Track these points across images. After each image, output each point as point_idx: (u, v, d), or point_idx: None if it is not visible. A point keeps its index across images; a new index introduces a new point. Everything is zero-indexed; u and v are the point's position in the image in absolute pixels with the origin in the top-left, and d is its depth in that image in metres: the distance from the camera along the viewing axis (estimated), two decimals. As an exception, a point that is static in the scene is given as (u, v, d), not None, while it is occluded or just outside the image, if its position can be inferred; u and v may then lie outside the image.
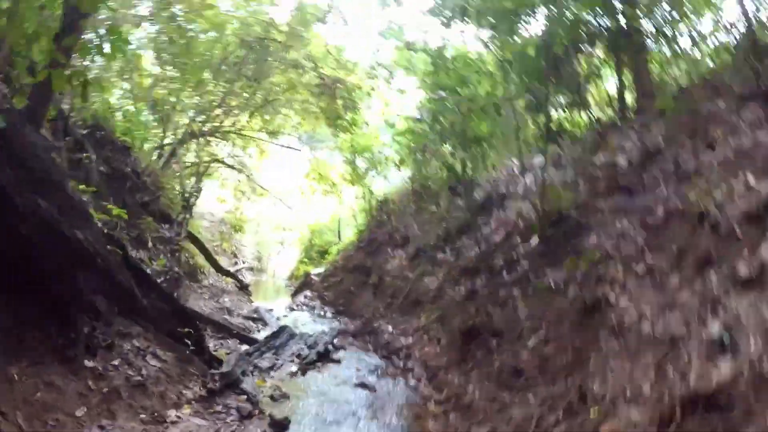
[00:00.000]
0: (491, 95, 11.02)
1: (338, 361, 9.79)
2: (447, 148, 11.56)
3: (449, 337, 9.95)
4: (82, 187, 7.92)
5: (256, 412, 6.20)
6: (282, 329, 10.78)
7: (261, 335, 11.51)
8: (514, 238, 10.87)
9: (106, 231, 7.13)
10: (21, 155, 4.43)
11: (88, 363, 4.90)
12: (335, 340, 11.17)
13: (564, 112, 10.87)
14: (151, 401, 5.28)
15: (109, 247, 5.95)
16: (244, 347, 9.72)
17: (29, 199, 4.39)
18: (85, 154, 9.83)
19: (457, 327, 9.66)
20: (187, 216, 14.88)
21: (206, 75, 16.96)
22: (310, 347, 10.06)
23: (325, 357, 9.75)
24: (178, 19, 15.53)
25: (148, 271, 9.47)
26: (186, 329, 7.11)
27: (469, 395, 7.74)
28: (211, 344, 9.50)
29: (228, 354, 8.73)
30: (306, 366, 9.06)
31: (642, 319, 5.87)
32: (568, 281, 7.90)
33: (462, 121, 10.21)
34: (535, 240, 10.05)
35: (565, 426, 5.49)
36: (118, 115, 13.51)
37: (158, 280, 10.74)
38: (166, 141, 17.11)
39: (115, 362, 5.31)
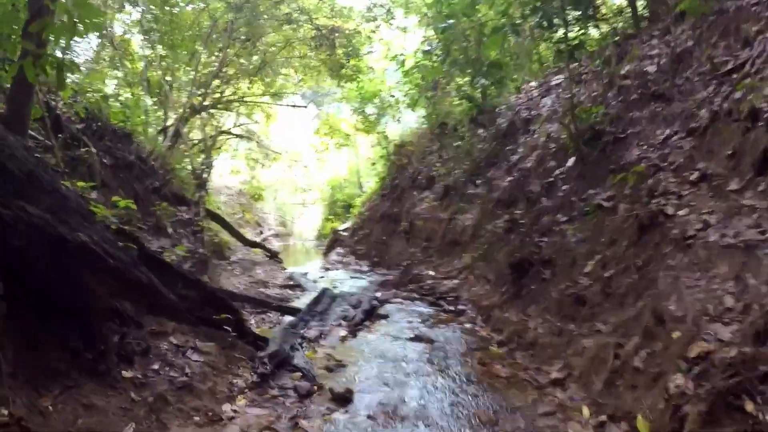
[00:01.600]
0: (501, 17, 10.32)
1: (386, 316, 9.36)
2: (461, 79, 10.81)
3: (497, 274, 9.50)
4: (81, 184, 7.43)
5: (315, 388, 5.77)
6: (322, 293, 10.33)
7: (301, 302, 11.10)
8: (548, 162, 10.33)
9: (116, 227, 6.61)
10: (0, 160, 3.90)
11: (126, 373, 4.45)
12: (378, 294, 10.74)
13: (576, 27, 10.06)
14: (201, 400, 4.85)
15: (121, 243, 5.44)
16: (287, 319, 9.31)
17: (14, 206, 3.87)
18: (84, 149, 9.30)
19: (504, 262, 9.19)
20: (203, 194, 14.43)
21: (198, 47, 16.26)
22: (355, 307, 9.62)
23: (372, 314, 9.34)
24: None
25: (172, 259, 9.05)
26: (222, 314, 6.66)
27: (531, 332, 7.34)
28: (252, 321, 9.14)
29: (272, 330, 8.38)
30: (355, 327, 8.63)
31: (707, 228, 5.49)
32: (617, 199, 7.46)
33: (476, 46, 9.48)
34: (571, 161, 9.53)
35: (646, 352, 5.08)
36: (114, 103, 12.89)
37: (184, 266, 10.45)
38: (169, 122, 16.52)
39: (155, 366, 4.86)
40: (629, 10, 10.87)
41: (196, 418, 4.58)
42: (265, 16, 16.46)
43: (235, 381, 5.63)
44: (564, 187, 9.25)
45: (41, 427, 3.38)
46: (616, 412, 4.89)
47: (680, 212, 5.99)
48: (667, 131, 7.49)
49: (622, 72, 9.41)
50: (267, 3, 16.24)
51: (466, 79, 9.96)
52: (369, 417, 5.12)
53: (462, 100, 11.81)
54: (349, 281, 14.02)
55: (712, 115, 6.68)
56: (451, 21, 10.24)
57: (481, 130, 13.40)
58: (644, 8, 10.56)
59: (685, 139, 7.02)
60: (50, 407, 3.56)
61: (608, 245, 6.99)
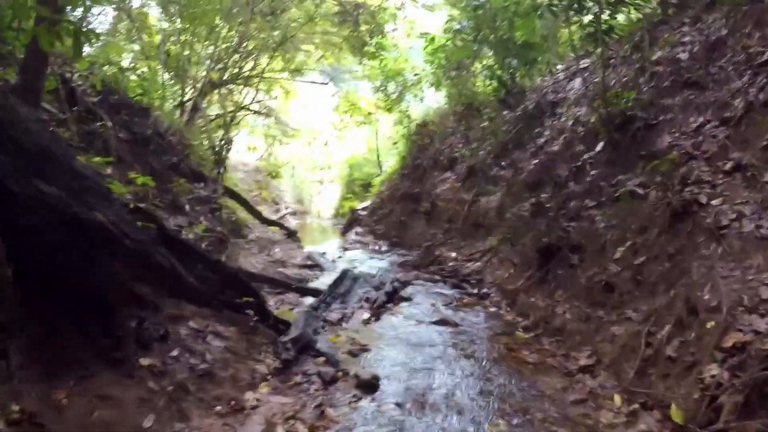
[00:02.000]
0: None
1: (409, 299, 9.17)
2: (490, 59, 10.46)
3: (522, 258, 9.27)
4: (97, 159, 7.24)
5: (340, 374, 5.59)
6: (344, 274, 10.07)
7: (321, 282, 10.94)
8: (576, 146, 10.02)
9: (134, 204, 6.42)
10: (11, 134, 3.68)
11: (144, 361, 4.25)
12: (400, 276, 10.52)
13: (605, 12, 9.69)
14: (223, 388, 4.67)
15: (139, 222, 5.25)
16: (307, 300, 9.14)
17: (28, 184, 3.67)
18: (99, 123, 9.11)
19: (530, 246, 8.95)
20: (221, 170, 14.21)
21: (219, 21, 15.95)
22: (377, 288, 9.42)
23: (394, 296, 9.15)
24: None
25: (190, 238, 8.89)
26: (243, 297, 6.46)
27: (558, 317, 7.19)
28: (272, 303, 8.95)
29: (293, 311, 8.20)
30: (378, 310, 8.45)
31: (741, 219, 5.38)
32: (648, 185, 7.24)
33: (508, 26, 9.14)
34: (600, 145, 9.23)
35: (679, 341, 4.98)
36: (132, 77, 12.70)
37: (203, 246, 10.27)
38: (187, 97, 16.31)
39: (174, 353, 4.64)
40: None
41: (218, 408, 4.41)
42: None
43: (257, 367, 5.44)
44: (593, 172, 8.98)
45: (54, 423, 3.21)
46: (648, 401, 4.81)
47: (714, 202, 5.81)
48: (701, 119, 7.30)
49: (654, 58, 9.11)
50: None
51: (494, 59, 9.57)
52: (397, 405, 4.97)
53: (491, 80, 11.41)
54: (368, 261, 13.83)
55: (746, 105, 6.51)
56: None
57: (507, 112, 13.05)
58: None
59: (718, 128, 6.83)
60: (64, 400, 3.39)
61: (639, 232, 6.81)
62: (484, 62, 11.67)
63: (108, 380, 3.79)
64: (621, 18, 10.24)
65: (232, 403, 4.55)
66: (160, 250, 4.93)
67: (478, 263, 10.82)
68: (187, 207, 11.26)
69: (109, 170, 9.17)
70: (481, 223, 12.26)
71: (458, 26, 9.99)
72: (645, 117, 8.33)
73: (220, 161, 14.48)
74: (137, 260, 4.64)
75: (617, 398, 5.05)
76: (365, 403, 5.01)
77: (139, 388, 3.97)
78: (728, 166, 6.13)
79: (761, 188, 5.54)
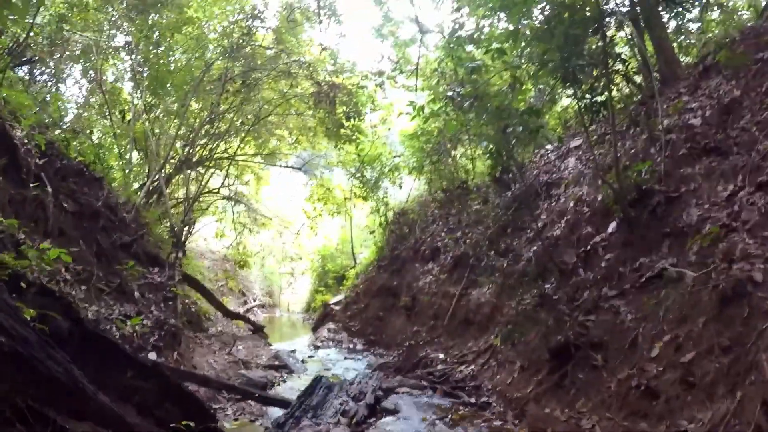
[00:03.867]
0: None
1: (395, 411, 7.57)
2: (485, 130, 9.42)
3: (529, 359, 7.87)
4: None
5: None
6: (316, 382, 8.35)
7: (289, 388, 9.41)
8: (583, 228, 8.93)
9: (39, 284, 4.94)
10: None
11: None
12: (381, 384, 8.90)
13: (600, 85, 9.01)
14: None
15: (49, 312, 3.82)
16: (272, 411, 7.54)
17: None
18: (33, 184, 8.00)
19: (539, 344, 7.58)
20: (180, 255, 12.74)
21: (189, 96, 15.06)
22: (356, 399, 7.78)
23: (377, 409, 7.60)
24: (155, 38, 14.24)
25: (126, 334, 7.46)
26: (188, 413, 4.81)
27: (586, 432, 5.68)
28: (230, 412, 7.42)
29: (255, 424, 6.60)
30: (357, 428, 6.82)
31: None
32: (681, 266, 6.25)
33: (508, 94, 8.19)
34: (613, 225, 8.17)
35: None
36: (85, 142, 11.57)
37: (150, 340, 8.84)
38: (156, 176, 15.14)
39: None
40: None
41: None
42: (261, 66, 15.26)
43: None
44: (607, 256, 7.86)
45: None
46: None
47: None
48: (731, 187, 6.59)
49: (660, 127, 8.26)
50: (265, 53, 15.14)
51: (492, 128, 8.51)
52: None
53: (487, 155, 10.35)
54: (343, 362, 12.45)
55: None
56: (479, 62, 8.93)
57: (503, 194, 11.99)
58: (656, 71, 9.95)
59: (755, 194, 6.13)
60: None
61: (678, 323, 5.74)
62: (477, 133, 10.60)
63: None
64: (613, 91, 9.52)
65: None
66: (55, 354, 3.46)
67: (472, 366, 9.37)
68: (137, 294, 9.96)
69: (47, 243, 7.81)
70: (472, 320, 10.90)
71: (451, 93, 8.94)
72: (664, 190, 7.50)
73: (179, 245, 13.02)
74: (15, 368, 3.17)
75: None
76: None
77: None
78: (780, 235, 5.31)
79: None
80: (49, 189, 8.10)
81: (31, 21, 8.79)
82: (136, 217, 11.83)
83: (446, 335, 11.40)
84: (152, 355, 8.65)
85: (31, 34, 10.15)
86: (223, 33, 15.20)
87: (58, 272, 8.19)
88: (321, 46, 15.83)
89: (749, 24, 9.19)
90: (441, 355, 10.49)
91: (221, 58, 14.83)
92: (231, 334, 14.58)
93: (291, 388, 9.44)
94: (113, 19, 14.37)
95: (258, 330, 16.28)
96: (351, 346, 14.97)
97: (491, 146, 9.40)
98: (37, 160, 8.38)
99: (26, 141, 8.37)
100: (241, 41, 14.40)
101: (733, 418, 4.35)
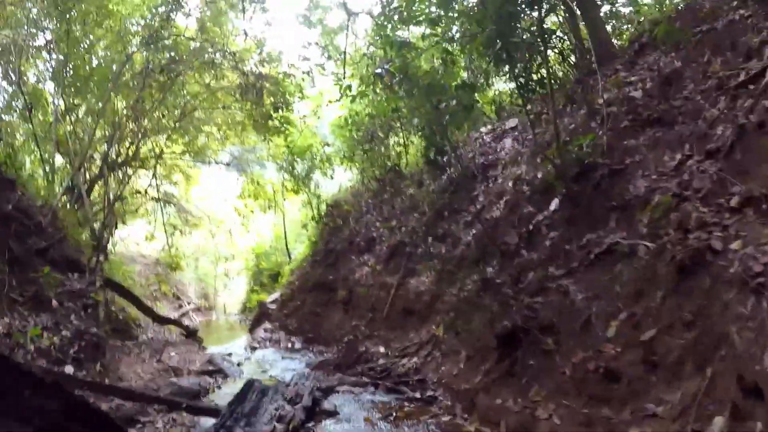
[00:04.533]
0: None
1: (335, 413, 7.01)
2: (421, 110, 8.98)
3: (474, 348, 7.49)
4: None
5: None
6: (249, 386, 7.65)
7: (223, 394, 8.82)
8: (523, 208, 8.62)
9: None
10: None
11: None
12: (320, 381, 8.36)
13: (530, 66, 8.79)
14: None
15: None
16: (204, 422, 6.90)
17: None
18: None
19: (484, 332, 7.21)
20: (101, 259, 11.94)
21: (113, 95, 14.45)
22: (292, 402, 7.13)
23: (315, 411, 7.00)
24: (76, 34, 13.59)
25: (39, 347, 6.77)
26: None
27: (544, 423, 5.39)
28: (159, 425, 6.80)
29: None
30: (295, 434, 6.28)
31: None
32: (632, 238, 5.99)
33: (441, 71, 7.79)
34: (555, 203, 7.90)
35: None
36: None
37: (70, 351, 8.15)
38: (75, 178, 14.30)
39: None
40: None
41: None
42: (185, 58, 14.51)
43: None
44: (552, 235, 7.59)
45: None
46: None
47: (732, 246, 4.75)
48: (678, 156, 6.45)
49: (601, 101, 8.13)
50: (188, 44, 14.39)
51: (425, 108, 8.07)
52: None
53: (421, 133, 9.94)
54: (280, 363, 11.88)
55: (737, 131, 5.67)
56: (408, 39, 8.51)
57: (437, 177, 11.61)
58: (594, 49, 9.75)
59: (704, 162, 5.95)
60: None
61: (635, 299, 5.45)
62: (409, 113, 10.14)
63: None
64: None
65: None
66: None
67: (415, 359, 8.93)
68: (55, 302, 9.24)
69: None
70: (412, 310, 10.49)
71: (379, 70, 8.46)
72: (608, 163, 7.25)
73: (100, 248, 12.18)
74: None
75: None
76: None
77: None
78: (734, 201, 5.20)
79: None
80: None
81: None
82: (54, 221, 11.04)
83: (386, 328, 10.96)
84: (69, 369, 7.93)
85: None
86: (144, 25, 14.40)
87: None
88: (245, 35, 15.19)
89: (681, 5, 9.16)
90: (382, 349, 10.04)
91: (142, 49, 14.03)
92: (162, 341, 13.78)
93: (226, 393, 8.77)
94: (31, 16, 13.60)
95: (191, 334, 15.44)
96: (289, 345, 14.35)
97: (424, 126, 8.97)
98: None
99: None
100: (161, 31, 13.59)
101: (705, 397, 4.11)
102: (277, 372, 10.55)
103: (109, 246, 14.97)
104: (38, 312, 8.66)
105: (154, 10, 14.32)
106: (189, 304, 25.62)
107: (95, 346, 9.09)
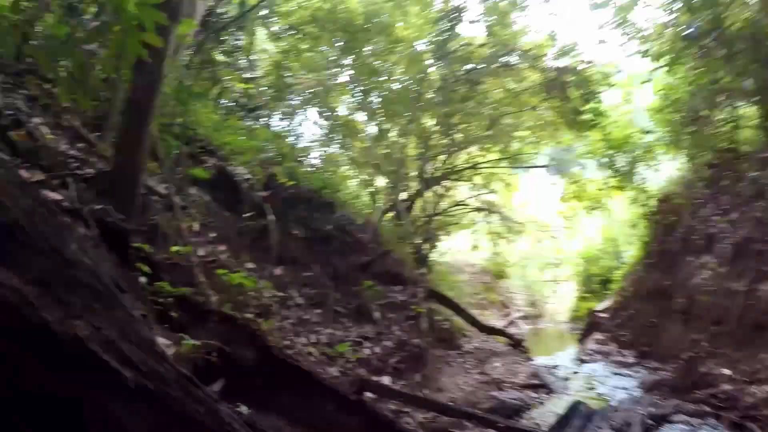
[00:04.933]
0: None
1: (668, 449, 6.00)
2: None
3: None
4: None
5: None
6: (573, 409, 7.04)
7: (546, 411, 8.31)
8: None
9: (226, 313, 4.70)
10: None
11: None
12: (652, 410, 7.27)
13: None
14: None
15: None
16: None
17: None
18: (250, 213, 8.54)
19: None
20: (425, 271, 12.36)
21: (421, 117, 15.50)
22: None
23: (648, 447, 6.06)
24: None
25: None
26: None
27: None
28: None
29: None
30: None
31: None
32: None
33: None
34: None
35: None
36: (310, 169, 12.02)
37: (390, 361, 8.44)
38: (396, 195, 15.65)
39: None
40: None
41: None
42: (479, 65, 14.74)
43: None
44: None
45: None
46: None
47: None
48: None
49: None
50: (478, 50, 14.58)
51: (754, 69, 6.51)
52: None
53: (756, 101, 8.18)
54: (610, 380, 11.09)
55: None
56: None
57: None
58: None
59: None
60: None
61: None
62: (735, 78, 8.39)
63: None
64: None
65: None
66: (195, 392, 2.87)
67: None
68: (377, 314, 9.84)
69: (278, 270, 8.51)
70: (766, 324, 8.74)
71: (690, 30, 7.05)
72: None
73: (422, 260, 12.65)
74: (146, 406, 2.64)
75: None
76: None
77: None
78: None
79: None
80: (272, 218, 8.55)
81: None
82: (375, 238, 11.89)
83: (732, 345, 9.27)
84: (386, 379, 8.14)
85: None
86: (432, 42, 15.05)
87: (290, 297, 8.29)
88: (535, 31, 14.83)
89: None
90: (727, 371, 8.50)
91: (436, 66, 14.74)
92: (487, 350, 13.70)
93: (549, 412, 8.32)
94: (330, 58, 15.26)
95: (517, 344, 15.21)
96: (620, 359, 13.24)
97: (757, 89, 7.26)
98: (261, 193, 8.98)
99: (249, 177, 9.10)
100: (449, 45, 13.94)
101: None
102: (606, 390, 9.83)
103: (433, 257, 15.61)
104: (361, 323, 9.15)
105: (437, 27, 14.74)
106: (516, 312, 25.55)
107: (416, 357, 9.30)
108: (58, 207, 4.38)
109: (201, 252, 6.76)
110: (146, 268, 4.87)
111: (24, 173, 4.63)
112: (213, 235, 7.73)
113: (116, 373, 2.53)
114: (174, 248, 5.85)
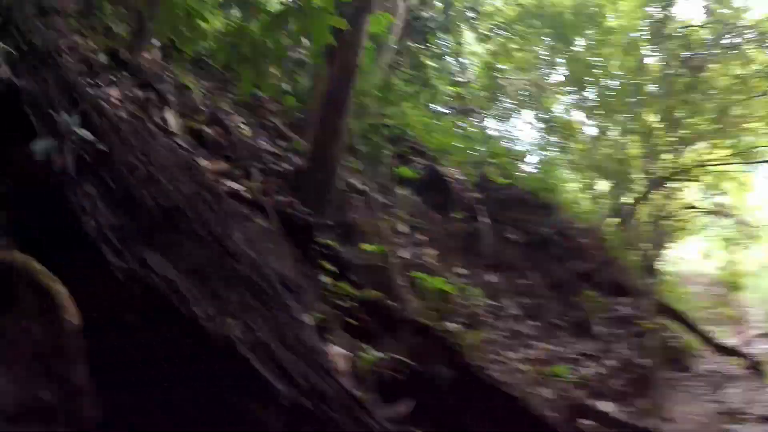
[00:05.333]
0: None
1: None
2: None
3: None
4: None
5: None
6: None
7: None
8: None
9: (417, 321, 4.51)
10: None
11: None
12: None
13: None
14: None
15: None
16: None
17: (132, 254, 2.29)
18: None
19: None
20: (653, 282, 11.41)
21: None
22: None
23: None
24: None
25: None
26: None
27: None
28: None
29: None
30: None
31: None
32: None
33: None
34: None
35: None
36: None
37: (610, 383, 7.75)
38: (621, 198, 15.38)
39: None
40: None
41: None
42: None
43: None
44: None
45: None
46: None
47: None
48: None
49: None
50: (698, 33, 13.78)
51: None
52: None
53: None
54: None
55: None
56: None
57: None
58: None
59: None
60: None
61: None
62: None
63: None
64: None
65: None
66: (361, 416, 2.60)
67: None
68: (599, 329, 9.14)
69: (491, 277, 8.25)
70: None
71: None
72: None
73: (648, 269, 11.72)
74: (305, 427, 2.45)
75: None
76: None
77: None
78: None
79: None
80: (486, 220, 8.45)
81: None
82: (597, 243, 11.19)
83: None
84: (608, 405, 7.48)
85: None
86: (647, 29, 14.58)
87: (502, 307, 8.02)
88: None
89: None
90: None
91: (653, 54, 14.37)
92: (721, 374, 12.38)
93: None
94: (540, 56, 15.34)
95: (754, 366, 13.57)
96: None
97: None
98: (474, 194, 8.90)
99: (461, 177, 9.04)
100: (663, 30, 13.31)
101: None
102: None
103: (661, 266, 14.57)
104: (580, 338, 8.62)
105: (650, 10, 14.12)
106: (752, 329, 23.08)
107: (642, 379, 8.48)
108: (236, 197, 4.37)
109: (405, 254, 6.60)
110: (332, 268, 4.73)
111: (204, 161, 4.70)
112: (421, 237, 7.61)
113: (269, 384, 2.33)
114: (367, 247, 5.63)
